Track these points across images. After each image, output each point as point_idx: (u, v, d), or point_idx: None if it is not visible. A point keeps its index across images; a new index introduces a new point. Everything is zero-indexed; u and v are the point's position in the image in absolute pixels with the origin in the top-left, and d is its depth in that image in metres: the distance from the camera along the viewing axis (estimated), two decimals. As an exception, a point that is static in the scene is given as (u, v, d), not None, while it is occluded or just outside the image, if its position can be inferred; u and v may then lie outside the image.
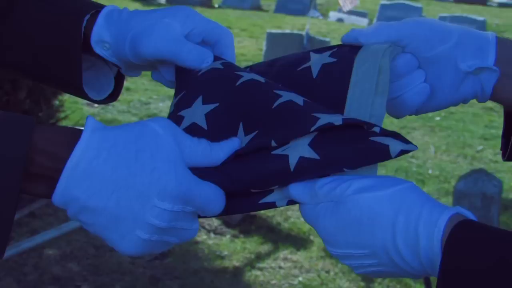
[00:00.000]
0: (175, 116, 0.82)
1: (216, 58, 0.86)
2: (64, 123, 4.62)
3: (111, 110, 5.72)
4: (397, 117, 0.89)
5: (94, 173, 0.69)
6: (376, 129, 0.76)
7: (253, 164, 0.76)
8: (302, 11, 13.24)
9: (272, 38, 7.69)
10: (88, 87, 0.92)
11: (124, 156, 0.70)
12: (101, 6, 0.89)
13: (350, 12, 14.02)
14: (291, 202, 0.78)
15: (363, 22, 13.60)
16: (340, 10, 14.35)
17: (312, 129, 0.74)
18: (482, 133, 5.86)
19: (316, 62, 0.85)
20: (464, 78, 0.85)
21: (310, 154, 0.75)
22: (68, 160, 0.68)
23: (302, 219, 3.94)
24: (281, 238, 3.74)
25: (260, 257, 3.52)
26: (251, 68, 0.90)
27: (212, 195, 0.75)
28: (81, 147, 0.69)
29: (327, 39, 8.14)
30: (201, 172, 0.75)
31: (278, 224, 3.90)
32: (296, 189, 0.77)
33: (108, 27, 0.87)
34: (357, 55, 0.83)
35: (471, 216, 0.72)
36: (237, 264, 3.43)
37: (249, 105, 0.80)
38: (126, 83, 6.41)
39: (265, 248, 3.61)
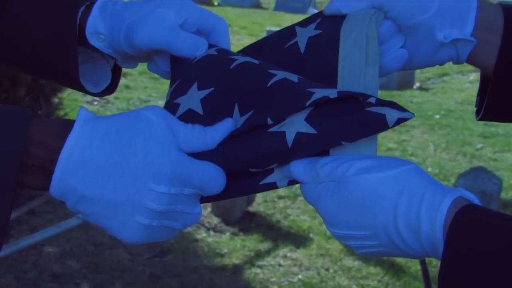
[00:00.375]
0: (171, 104, 0.82)
1: (210, 46, 0.86)
2: (63, 120, 4.63)
3: (110, 108, 5.72)
4: None
5: (88, 162, 0.68)
6: (372, 100, 0.75)
7: (250, 143, 0.76)
8: (301, 9, 13.23)
9: (272, 36, 7.67)
10: (85, 80, 0.92)
11: (117, 143, 0.70)
12: None
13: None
14: (292, 182, 0.78)
15: (362, 20, 13.55)
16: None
17: (308, 103, 0.74)
18: (482, 131, 5.86)
19: (302, 36, 0.85)
20: (441, 46, 0.85)
21: (307, 129, 0.74)
22: (61, 150, 0.68)
23: (302, 217, 3.94)
24: (281, 236, 3.74)
25: (259, 254, 3.52)
26: (243, 52, 0.90)
27: (210, 173, 0.74)
28: (73, 137, 0.69)
29: (327, 37, 8.13)
30: (198, 156, 0.75)
31: (278, 222, 3.90)
32: (297, 168, 0.76)
33: (102, 18, 0.87)
34: (343, 25, 0.83)
35: (474, 199, 0.71)
36: (236, 262, 3.44)
37: (244, 86, 0.80)
38: (125, 81, 6.40)
39: (264, 246, 3.62)
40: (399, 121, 0.74)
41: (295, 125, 0.75)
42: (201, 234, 3.68)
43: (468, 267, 0.65)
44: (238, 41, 8.93)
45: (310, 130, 0.74)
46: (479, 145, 5.51)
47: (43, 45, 0.89)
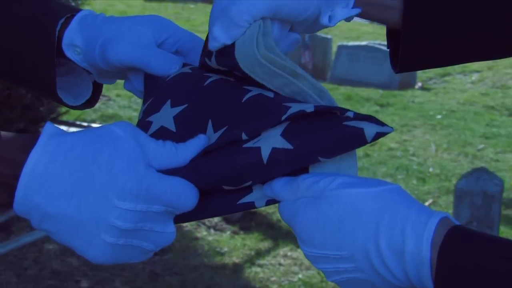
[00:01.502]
0: (143, 122, 0.80)
1: (185, 65, 0.85)
2: (65, 117, 4.63)
3: (112, 105, 5.72)
4: None
5: (51, 178, 0.66)
6: (350, 114, 0.73)
7: (223, 159, 0.73)
8: (304, 8, 13.22)
9: (274, 35, 7.67)
10: (66, 92, 0.90)
11: (81, 158, 0.68)
12: (75, 10, 0.88)
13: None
14: (270, 201, 0.75)
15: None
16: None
17: (283, 117, 0.72)
18: (484, 132, 5.86)
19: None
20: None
21: (283, 144, 0.72)
22: (24, 165, 0.66)
23: (302, 216, 3.94)
24: (281, 235, 3.74)
25: (260, 253, 3.52)
26: None
27: (180, 188, 0.71)
28: (37, 152, 0.67)
29: (329, 36, 8.13)
30: (169, 173, 0.73)
31: (278, 221, 3.90)
32: (278, 183, 0.73)
33: (80, 31, 0.85)
34: (234, 55, 0.77)
35: (457, 223, 0.68)
36: (237, 260, 3.43)
37: (218, 102, 0.78)
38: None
39: (265, 245, 3.61)
40: (378, 136, 0.72)
41: (271, 141, 0.72)
42: (202, 233, 3.68)
43: (465, 285, 0.64)
44: (240, 40, 8.92)
45: (286, 145, 0.72)
46: (481, 146, 5.50)
47: (21, 57, 0.87)
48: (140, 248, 0.72)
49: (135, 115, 5.50)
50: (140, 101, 5.96)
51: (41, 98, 3.86)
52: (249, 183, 0.74)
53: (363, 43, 8.15)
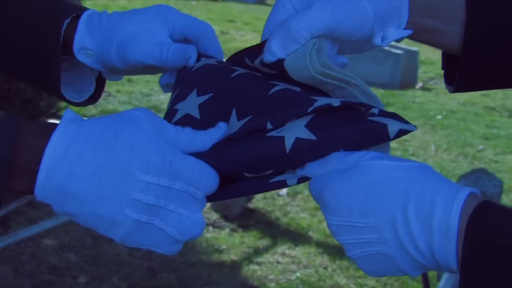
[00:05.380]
0: (169, 111, 0.82)
1: (207, 56, 0.86)
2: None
3: (112, 101, 5.72)
4: None
5: (73, 158, 0.67)
6: (375, 110, 0.74)
7: (246, 146, 0.74)
8: (306, 6, 13.20)
9: (275, 33, 7.66)
10: (68, 88, 0.91)
11: (102, 137, 0.68)
12: (80, 9, 0.89)
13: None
14: (302, 179, 0.76)
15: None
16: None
17: (309, 110, 0.73)
18: (483, 133, 5.85)
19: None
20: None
21: (307, 135, 0.73)
22: (46, 148, 0.67)
23: (301, 214, 3.94)
24: (280, 233, 3.73)
25: (258, 251, 3.52)
26: None
27: (202, 168, 0.72)
28: (58, 134, 0.68)
29: (330, 35, 8.12)
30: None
31: (277, 219, 3.89)
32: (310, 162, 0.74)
33: (89, 34, 0.87)
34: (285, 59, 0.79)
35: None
36: (235, 258, 3.43)
37: (244, 92, 0.79)
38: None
39: (263, 242, 3.61)
40: (401, 133, 0.73)
41: (295, 131, 0.73)
42: (200, 230, 3.67)
43: (494, 256, 0.62)
44: (241, 37, 8.92)
45: (310, 136, 0.73)
46: (481, 147, 5.50)
47: (26, 55, 0.88)
48: (165, 233, 0.73)
49: (135, 111, 5.48)
50: (140, 97, 5.95)
51: (41, 93, 3.86)
52: (270, 171, 0.75)
53: (364, 42, 8.13)
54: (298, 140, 0.73)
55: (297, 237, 3.71)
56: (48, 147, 0.67)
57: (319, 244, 3.63)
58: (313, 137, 0.73)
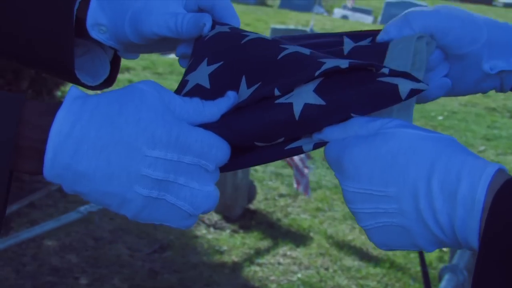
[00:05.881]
0: (181, 82, 0.81)
1: (221, 24, 0.85)
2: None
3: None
4: (415, 103, 0.88)
5: (79, 136, 0.66)
6: (385, 70, 0.71)
7: (255, 114, 0.72)
8: (306, 7, 13.22)
9: (276, 34, 7.68)
10: (83, 72, 0.90)
11: (107, 113, 0.67)
12: None
13: (355, 9, 14.00)
14: (318, 145, 0.74)
15: (367, 19, 13.59)
16: (344, 7, 14.33)
17: (317, 73, 0.71)
18: (485, 134, 5.85)
19: (348, 44, 0.82)
20: (486, 76, 0.84)
21: (316, 100, 0.71)
22: (51, 127, 0.66)
23: (302, 215, 3.94)
24: (281, 234, 3.73)
25: (259, 252, 3.52)
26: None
27: (211, 139, 0.71)
28: (62, 112, 0.67)
29: (331, 36, 8.12)
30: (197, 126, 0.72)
31: (278, 220, 3.89)
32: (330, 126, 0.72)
33: (102, 9, 0.86)
34: (391, 41, 0.80)
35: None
36: (236, 259, 3.43)
37: (253, 59, 0.77)
38: (129, 76, 6.40)
39: (264, 244, 3.61)
40: (413, 93, 0.69)
41: (303, 96, 0.71)
42: (201, 231, 3.67)
43: None
44: (242, 38, 8.92)
45: (319, 101, 0.70)
46: (482, 147, 5.49)
47: (39, 37, 0.87)
48: (177, 208, 0.71)
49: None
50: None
51: (42, 94, 3.86)
52: (281, 139, 0.73)
53: (365, 43, 8.14)
54: (307, 106, 0.71)
55: (298, 238, 3.71)
56: (53, 126, 0.66)
57: (320, 245, 3.63)
58: (322, 102, 0.70)
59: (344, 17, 13.55)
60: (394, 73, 0.71)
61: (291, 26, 8.95)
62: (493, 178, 0.63)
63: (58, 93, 4.12)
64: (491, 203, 0.62)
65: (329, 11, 14.45)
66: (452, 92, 0.87)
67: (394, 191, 0.67)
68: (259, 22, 10.57)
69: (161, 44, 0.91)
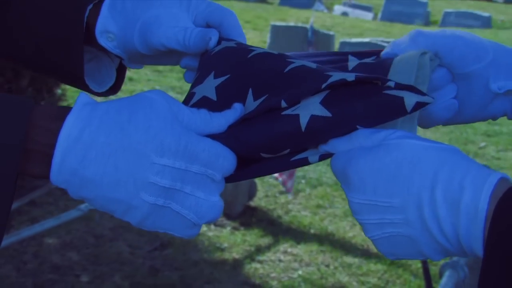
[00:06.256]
0: (188, 95, 0.82)
1: (228, 40, 0.86)
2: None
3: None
4: (422, 127, 0.87)
5: (88, 141, 0.67)
6: (391, 84, 0.72)
7: (262, 126, 0.73)
8: (306, 4, 13.22)
9: (276, 31, 7.67)
10: (89, 79, 0.91)
11: (117, 120, 0.68)
12: None
13: (355, 6, 14.00)
14: (324, 156, 0.75)
15: (368, 16, 13.58)
16: (345, 4, 14.32)
17: (324, 85, 0.71)
18: (485, 130, 5.85)
19: (353, 61, 0.83)
20: (494, 97, 0.84)
21: (322, 112, 0.71)
22: (60, 132, 0.66)
23: (303, 212, 3.94)
24: (282, 231, 3.73)
25: (260, 250, 3.52)
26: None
27: (218, 149, 0.71)
28: (72, 117, 0.67)
29: (332, 33, 8.12)
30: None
31: (279, 217, 3.90)
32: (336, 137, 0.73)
33: (113, 17, 0.87)
34: (395, 57, 0.81)
35: None
36: (237, 256, 3.43)
37: (260, 72, 0.78)
38: (129, 73, 6.39)
39: (265, 241, 3.61)
40: (418, 106, 0.70)
41: (310, 108, 0.72)
42: (202, 228, 3.67)
43: None
44: (242, 35, 8.92)
45: (325, 113, 0.71)
46: (482, 144, 5.49)
47: (48, 43, 0.88)
48: (182, 216, 0.72)
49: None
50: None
51: (42, 92, 3.86)
52: (287, 151, 0.74)
53: (366, 39, 8.13)
54: (313, 118, 0.71)
55: (299, 235, 3.71)
56: (62, 131, 0.66)
57: (321, 242, 3.63)
58: (328, 114, 0.71)
59: (344, 14, 13.54)
60: (399, 86, 0.71)
61: (291, 23, 8.95)
62: (495, 186, 0.64)
63: (58, 91, 4.12)
64: (493, 212, 0.62)
65: (329, 8, 14.44)
66: (460, 116, 0.87)
67: (399, 202, 0.68)
68: (259, 19, 10.56)
69: (167, 57, 0.92)
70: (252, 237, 3.63)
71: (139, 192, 0.68)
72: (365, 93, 0.72)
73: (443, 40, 0.83)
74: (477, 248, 0.65)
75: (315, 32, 7.55)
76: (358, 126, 0.72)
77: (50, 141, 0.67)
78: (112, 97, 0.87)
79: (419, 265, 3.38)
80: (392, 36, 9.86)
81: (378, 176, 0.69)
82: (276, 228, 3.76)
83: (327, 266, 3.42)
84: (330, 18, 12.11)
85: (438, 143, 0.70)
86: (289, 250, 3.54)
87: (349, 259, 3.48)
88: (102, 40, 0.87)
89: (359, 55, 0.85)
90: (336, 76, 0.72)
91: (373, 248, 3.61)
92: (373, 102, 0.71)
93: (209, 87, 0.80)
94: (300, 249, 3.55)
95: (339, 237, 3.73)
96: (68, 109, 0.69)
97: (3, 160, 0.65)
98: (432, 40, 0.82)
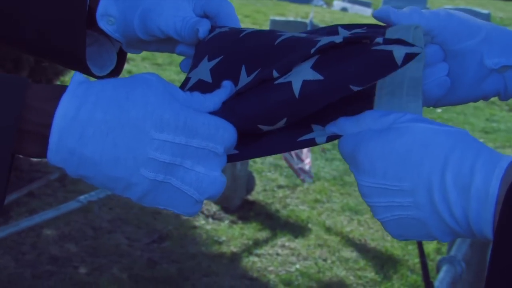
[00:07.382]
0: (184, 81, 0.83)
1: (222, 26, 0.87)
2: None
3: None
4: None
5: (84, 119, 0.66)
6: (379, 40, 0.72)
7: (256, 97, 0.73)
8: (306, -1, 13.20)
9: (276, 26, 7.66)
10: (91, 63, 0.91)
11: (113, 96, 0.67)
12: None
13: (354, 2, 13.99)
14: (331, 138, 0.75)
15: (367, 11, 13.57)
16: (344, -1, 14.30)
17: (313, 50, 0.72)
18: (483, 126, 5.86)
19: (343, 33, 0.83)
20: (487, 74, 0.85)
21: (314, 76, 0.71)
22: (55, 111, 0.66)
23: (301, 207, 3.94)
24: (279, 225, 3.74)
25: (257, 243, 3.53)
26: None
27: (217, 121, 0.71)
28: (67, 96, 0.66)
29: (331, 28, 8.12)
30: None
31: (277, 211, 3.90)
32: (342, 118, 0.74)
33: (115, 1, 0.88)
34: (388, 29, 0.81)
35: None
36: (234, 250, 3.44)
37: (251, 49, 0.79)
38: (128, 66, 6.38)
39: (263, 234, 3.62)
40: (408, 57, 0.69)
41: (301, 74, 0.72)
42: (200, 221, 3.68)
43: None
44: (241, 30, 8.91)
45: (317, 76, 0.71)
46: (480, 141, 5.51)
47: (51, 25, 0.88)
48: (182, 192, 0.71)
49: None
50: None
51: (41, 80, 3.86)
52: (284, 120, 0.74)
53: (365, 35, 8.13)
54: (305, 83, 0.71)
55: (297, 229, 3.72)
56: (58, 110, 0.65)
57: (318, 237, 3.64)
58: (320, 77, 0.71)
59: (344, 9, 13.53)
60: (388, 41, 0.71)
61: (291, 18, 8.94)
62: (506, 171, 0.64)
63: (58, 83, 4.12)
64: (504, 196, 0.62)
65: (329, 3, 14.42)
66: (452, 96, 0.87)
67: (409, 185, 0.68)
68: (258, 14, 10.55)
69: (165, 44, 0.92)
70: (250, 231, 3.64)
71: (139, 168, 0.68)
72: (355, 53, 0.71)
73: (437, 18, 0.83)
74: (487, 231, 0.65)
75: (314, 27, 7.55)
76: (351, 86, 0.71)
77: (45, 121, 0.66)
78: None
79: (416, 260, 3.39)
80: (391, 32, 9.82)
81: (388, 160, 0.69)
82: (274, 222, 3.77)
83: (325, 260, 3.43)
84: (329, 13, 12.10)
85: (449, 126, 0.70)
86: (286, 244, 3.55)
87: (346, 254, 3.49)
88: (102, 23, 0.88)
89: (348, 27, 0.85)
90: (324, 40, 0.73)
91: (370, 243, 3.63)
92: (362, 60, 0.71)
93: (204, 70, 0.81)
94: (298, 243, 3.56)
95: (337, 232, 3.74)
96: (63, 88, 0.68)
97: None
98: (427, 17, 0.83)
